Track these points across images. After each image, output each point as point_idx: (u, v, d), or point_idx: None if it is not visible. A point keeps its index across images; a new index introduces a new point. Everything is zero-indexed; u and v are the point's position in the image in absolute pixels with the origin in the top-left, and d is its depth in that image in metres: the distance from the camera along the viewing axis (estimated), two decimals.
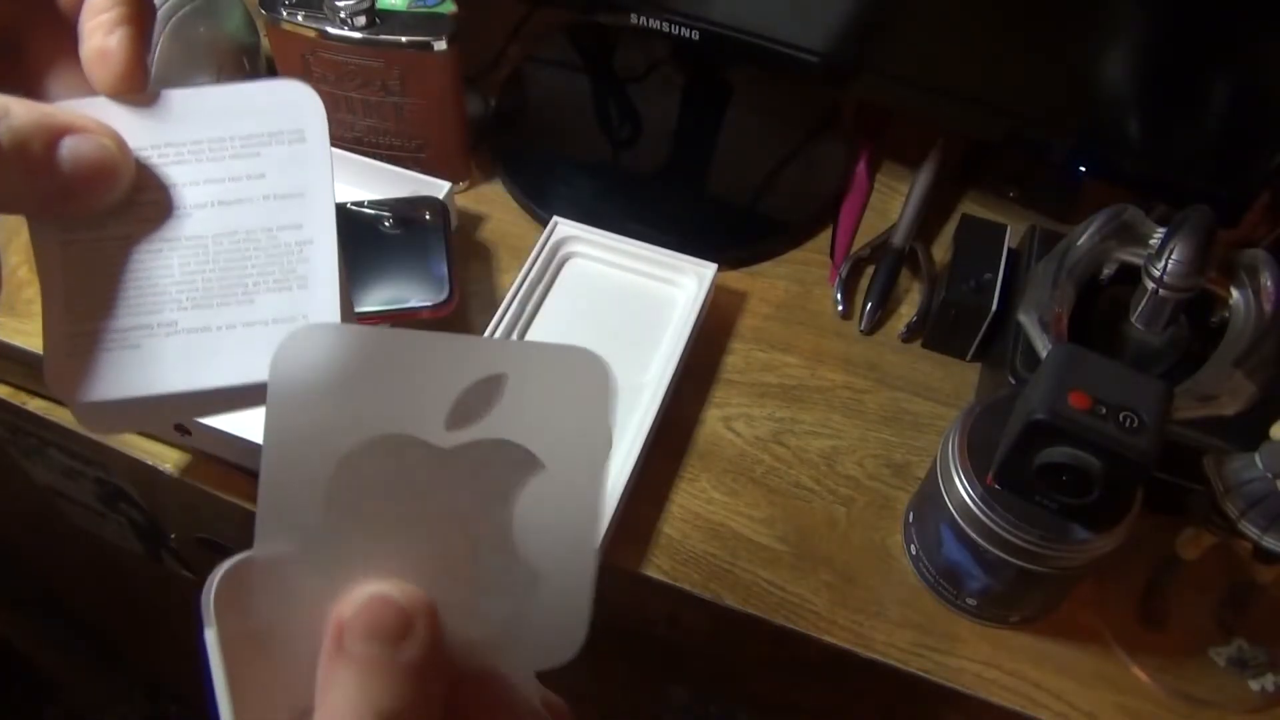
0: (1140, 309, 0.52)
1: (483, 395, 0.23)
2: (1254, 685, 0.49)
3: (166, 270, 0.26)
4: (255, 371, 0.25)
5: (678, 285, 0.62)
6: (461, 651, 0.23)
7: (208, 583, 0.22)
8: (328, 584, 0.22)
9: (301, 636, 0.22)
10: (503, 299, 0.60)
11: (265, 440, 0.22)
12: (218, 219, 0.27)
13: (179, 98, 0.27)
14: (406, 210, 0.61)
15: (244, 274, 0.26)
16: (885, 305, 0.64)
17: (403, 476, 0.23)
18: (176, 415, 0.46)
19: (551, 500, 0.23)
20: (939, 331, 0.61)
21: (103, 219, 0.26)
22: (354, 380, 0.22)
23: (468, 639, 0.23)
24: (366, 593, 0.22)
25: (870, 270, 0.66)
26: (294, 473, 0.22)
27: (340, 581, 0.22)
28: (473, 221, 0.68)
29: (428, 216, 0.61)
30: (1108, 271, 0.55)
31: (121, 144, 0.26)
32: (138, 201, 0.26)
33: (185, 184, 0.27)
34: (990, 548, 0.46)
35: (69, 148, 0.25)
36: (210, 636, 0.21)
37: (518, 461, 0.23)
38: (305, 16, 0.60)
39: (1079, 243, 0.54)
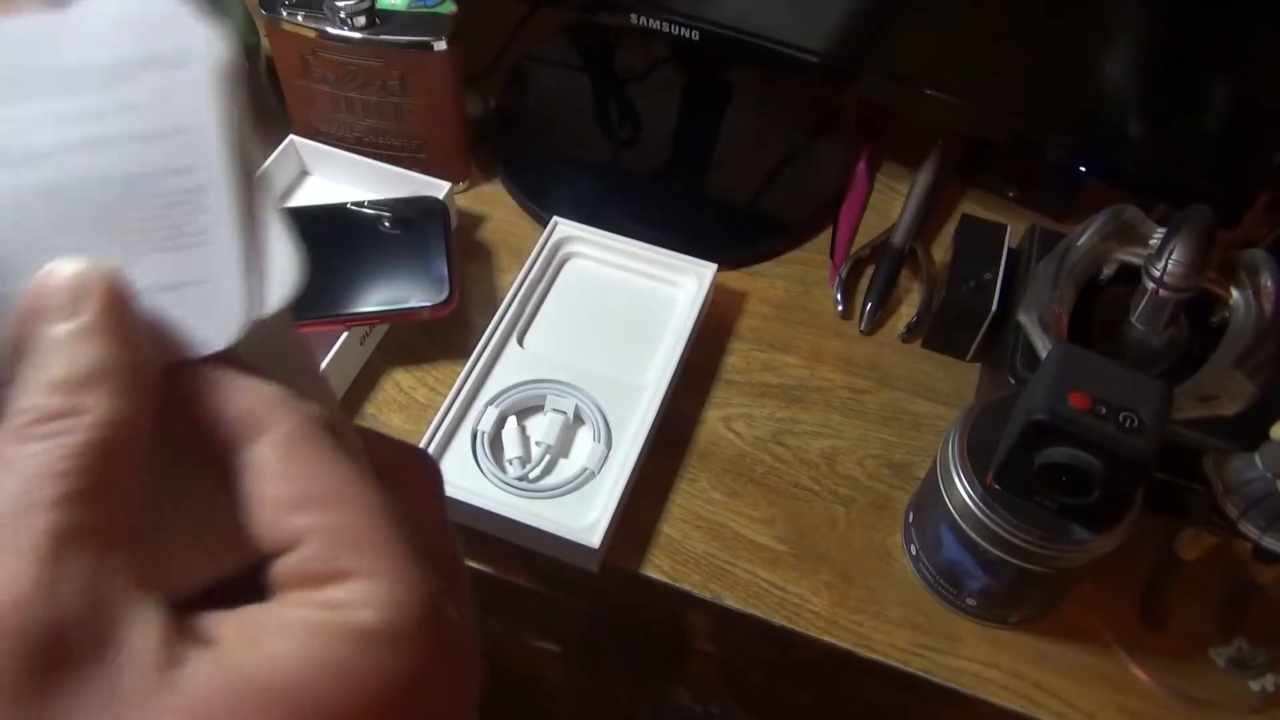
0: (1140, 309, 0.52)
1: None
2: (1254, 685, 0.49)
3: (20, 229, 0.21)
4: None
5: (678, 285, 0.63)
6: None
7: None
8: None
9: None
10: (503, 299, 0.60)
11: None
12: (79, 164, 0.21)
13: (14, 25, 0.22)
14: (406, 210, 0.61)
15: (121, 231, 0.21)
16: (885, 305, 0.64)
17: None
18: None
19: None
20: (939, 331, 0.61)
21: None
22: None
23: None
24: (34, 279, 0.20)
25: (870, 270, 0.66)
26: None
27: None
28: (473, 221, 0.68)
29: (428, 216, 0.61)
30: (1108, 271, 0.55)
31: None
32: None
33: (31, 121, 0.21)
34: (990, 548, 0.46)
35: None
36: None
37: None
38: (305, 16, 0.60)
39: (1079, 243, 0.54)
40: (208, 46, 0.22)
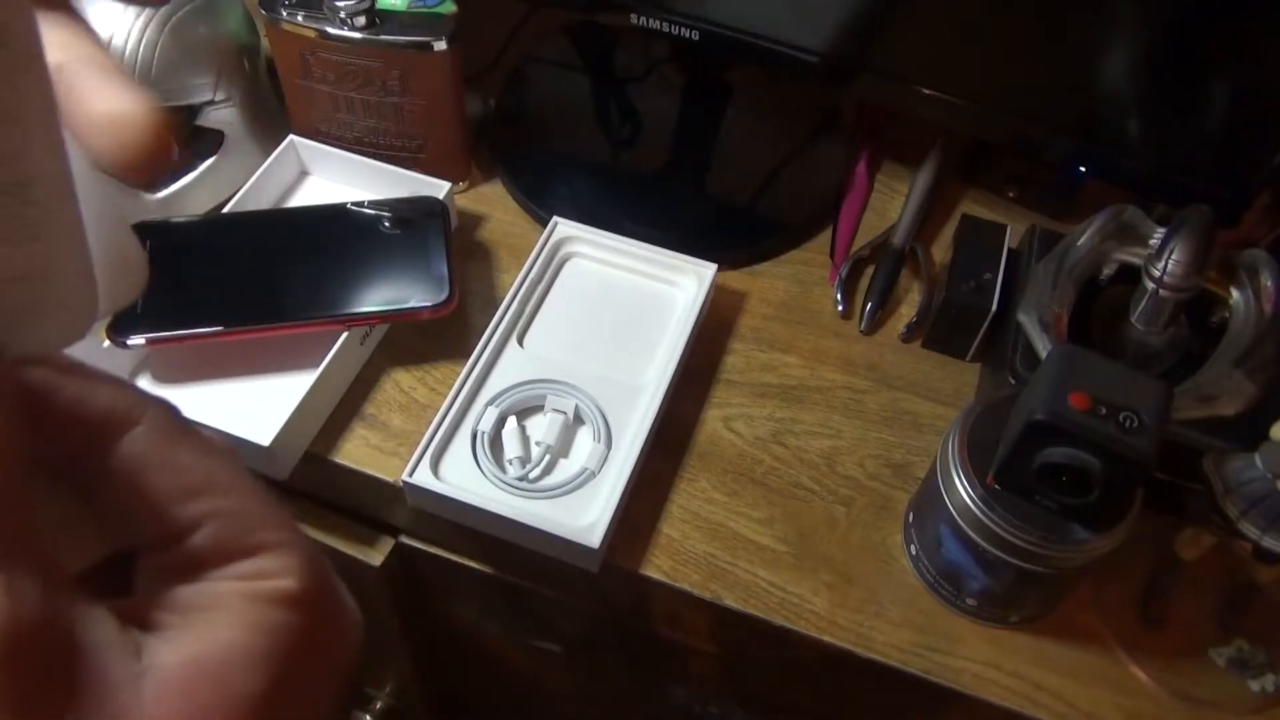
0: (1140, 309, 0.52)
1: None
2: (1254, 685, 0.49)
3: None
4: None
5: (678, 285, 0.63)
6: None
7: None
8: None
9: None
10: (503, 299, 0.60)
11: None
12: None
13: None
14: (406, 210, 0.61)
15: None
16: (885, 305, 0.64)
17: None
18: None
19: None
20: (939, 331, 0.61)
21: None
22: None
23: None
24: None
25: (870, 270, 0.66)
26: None
27: None
28: (473, 221, 0.68)
29: (428, 216, 0.61)
30: (1108, 271, 0.55)
31: None
32: None
33: None
34: (990, 548, 0.46)
35: None
36: None
37: None
38: (305, 16, 0.60)
39: (1079, 243, 0.54)
40: (26, 23, 0.18)
